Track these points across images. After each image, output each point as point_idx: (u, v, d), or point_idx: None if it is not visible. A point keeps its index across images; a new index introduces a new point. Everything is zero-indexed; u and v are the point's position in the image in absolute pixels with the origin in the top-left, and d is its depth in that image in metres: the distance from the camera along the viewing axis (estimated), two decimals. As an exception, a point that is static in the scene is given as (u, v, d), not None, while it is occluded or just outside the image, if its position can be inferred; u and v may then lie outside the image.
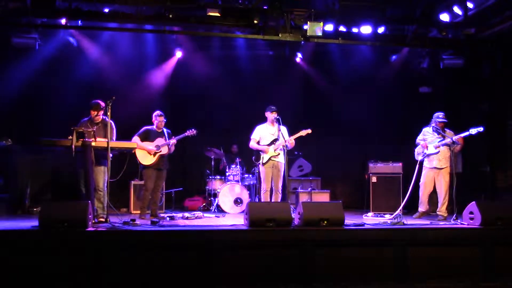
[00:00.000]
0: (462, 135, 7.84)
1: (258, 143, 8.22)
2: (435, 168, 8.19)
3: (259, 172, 8.46)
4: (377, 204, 9.36)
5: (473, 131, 7.61)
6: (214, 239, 5.69)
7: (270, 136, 8.14)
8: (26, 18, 8.25)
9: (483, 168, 10.35)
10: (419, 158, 8.35)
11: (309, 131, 8.10)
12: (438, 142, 8.11)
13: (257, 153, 8.21)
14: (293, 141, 8.02)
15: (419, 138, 8.43)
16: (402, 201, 8.16)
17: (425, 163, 8.32)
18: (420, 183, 8.36)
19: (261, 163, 8.14)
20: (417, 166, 8.25)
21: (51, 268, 5.22)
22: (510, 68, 9.87)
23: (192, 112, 10.89)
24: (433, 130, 8.25)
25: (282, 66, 11.43)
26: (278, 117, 8.02)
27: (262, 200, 8.16)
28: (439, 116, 8.19)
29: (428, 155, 8.24)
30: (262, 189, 8.20)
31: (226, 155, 10.67)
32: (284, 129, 8.12)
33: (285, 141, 7.87)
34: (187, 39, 10.65)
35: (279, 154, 8.09)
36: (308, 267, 5.70)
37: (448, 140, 7.91)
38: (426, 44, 9.56)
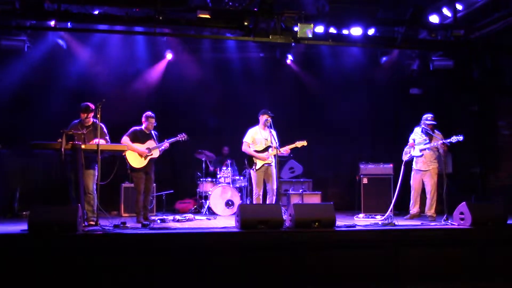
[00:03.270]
0: (443, 141, 7.87)
1: (250, 146, 8.20)
2: (420, 170, 8.30)
3: (250, 176, 8.42)
4: (368, 205, 9.39)
5: (453, 139, 7.64)
6: (205, 242, 5.67)
7: (263, 141, 8.10)
8: (15, 20, 8.19)
9: (473, 169, 10.41)
10: (404, 158, 8.43)
11: (305, 143, 8.08)
12: (424, 145, 8.19)
13: (250, 157, 8.17)
14: (289, 150, 8.08)
15: (411, 137, 8.50)
16: (392, 202, 8.19)
17: (413, 165, 8.42)
18: (410, 184, 8.42)
19: (254, 169, 8.11)
20: (403, 166, 8.31)
21: (41, 272, 5.17)
22: (500, 69, 9.95)
23: (183, 114, 10.86)
24: (422, 131, 8.33)
25: (273, 68, 11.44)
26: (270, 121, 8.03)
27: (267, 204, 8.10)
28: (428, 118, 8.24)
29: (414, 157, 8.34)
30: (254, 194, 8.18)
31: (217, 157, 10.66)
32: (274, 133, 8.12)
33: (278, 148, 7.85)
34: (178, 41, 10.64)
35: (272, 160, 8.11)
36: (300, 269, 5.69)
37: (433, 145, 8.07)
38: (416, 46, 9.61)
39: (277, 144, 7.95)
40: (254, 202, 8.16)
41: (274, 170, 8.10)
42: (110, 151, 6.91)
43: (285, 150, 8.02)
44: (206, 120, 10.88)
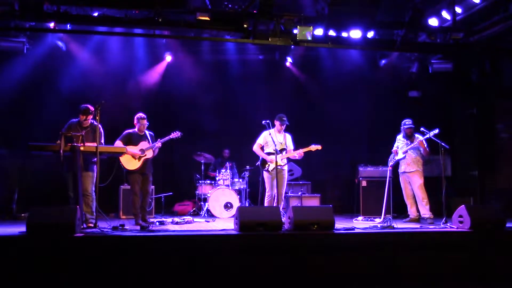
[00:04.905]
0: (422, 138, 8.08)
1: (262, 148, 8.20)
2: (404, 172, 8.43)
3: (263, 178, 8.37)
4: (367, 208, 9.40)
5: (430, 133, 7.88)
6: (204, 244, 5.66)
7: (277, 144, 8.06)
8: (14, 21, 8.18)
9: (472, 172, 10.42)
10: (390, 163, 8.63)
11: (319, 147, 8.12)
12: (406, 147, 8.32)
13: (263, 159, 8.18)
14: (302, 153, 8.09)
15: (395, 146, 8.63)
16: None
17: (398, 169, 8.55)
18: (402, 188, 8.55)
19: (268, 170, 8.11)
20: (388, 171, 8.51)
21: (39, 274, 5.15)
22: (499, 73, 9.96)
23: (182, 116, 10.85)
24: (403, 137, 8.52)
25: (272, 70, 11.44)
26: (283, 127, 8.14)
27: (266, 206, 8.09)
28: (406, 123, 8.45)
29: (398, 161, 8.48)
30: (267, 196, 8.16)
31: (216, 160, 10.64)
32: (289, 138, 8.25)
33: (290, 151, 7.94)
34: (177, 43, 10.63)
35: (285, 164, 8.10)
36: (299, 271, 5.67)
37: (414, 144, 8.23)
38: (415, 49, 9.62)
39: (293, 148, 8.12)
40: (266, 204, 8.14)
41: (286, 175, 8.13)
42: (109, 153, 6.90)
43: (299, 153, 8.04)
44: (206, 122, 10.86)
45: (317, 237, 5.92)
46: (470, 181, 10.44)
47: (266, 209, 6.94)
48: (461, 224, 6.55)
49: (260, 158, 8.20)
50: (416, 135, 8.29)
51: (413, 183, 8.30)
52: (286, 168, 8.19)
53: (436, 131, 7.79)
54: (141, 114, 7.85)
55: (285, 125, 8.16)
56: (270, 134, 8.04)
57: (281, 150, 8.07)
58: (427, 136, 7.89)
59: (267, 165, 8.11)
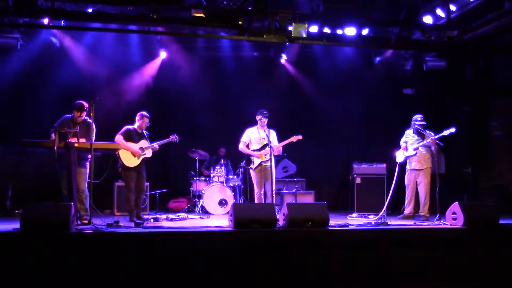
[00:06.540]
0: (436, 137, 7.93)
1: (247, 146, 8.21)
2: (414, 169, 8.33)
3: (250, 177, 8.39)
4: (361, 205, 9.43)
5: (446, 132, 7.76)
6: (198, 241, 5.67)
7: (260, 140, 8.11)
8: (8, 17, 8.13)
9: (465, 169, 10.47)
10: (399, 160, 8.46)
11: (300, 137, 8.11)
12: (417, 143, 8.22)
13: (248, 157, 8.18)
14: (281, 148, 8.09)
15: (402, 141, 8.54)
16: (386, 202, 8.22)
17: (407, 165, 8.44)
18: (405, 184, 8.46)
19: (252, 168, 8.12)
20: (397, 167, 8.35)
21: (33, 271, 5.14)
22: (492, 70, 10.00)
23: (177, 113, 10.85)
24: (413, 132, 8.41)
25: (267, 67, 11.44)
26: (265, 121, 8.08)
27: (260, 203, 8.09)
28: (417, 119, 8.33)
29: (408, 157, 8.36)
30: (255, 193, 8.17)
31: (211, 157, 10.64)
32: (273, 133, 8.20)
33: (271, 148, 7.88)
34: (172, 40, 10.62)
35: (269, 159, 8.08)
36: (293, 268, 5.70)
37: (426, 142, 8.11)
38: (409, 46, 9.64)
39: (277, 143, 8.08)
40: (256, 202, 8.15)
41: (272, 170, 8.10)
42: (103, 149, 6.87)
43: (277, 148, 8.05)
44: (200, 119, 10.86)
45: (312, 233, 5.93)
46: (464, 178, 10.49)
47: (261, 206, 6.96)
48: (454, 221, 6.58)
49: (246, 157, 8.22)
50: (428, 132, 8.15)
51: (421, 181, 8.22)
52: (272, 164, 8.10)
53: (453, 129, 7.65)
54: (145, 112, 7.82)
55: (267, 118, 8.11)
56: (252, 131, 8.06)
57: (264, 146, 8.07)
58: (442, 134, 7.79)
59: (251, 163, 8.13)
